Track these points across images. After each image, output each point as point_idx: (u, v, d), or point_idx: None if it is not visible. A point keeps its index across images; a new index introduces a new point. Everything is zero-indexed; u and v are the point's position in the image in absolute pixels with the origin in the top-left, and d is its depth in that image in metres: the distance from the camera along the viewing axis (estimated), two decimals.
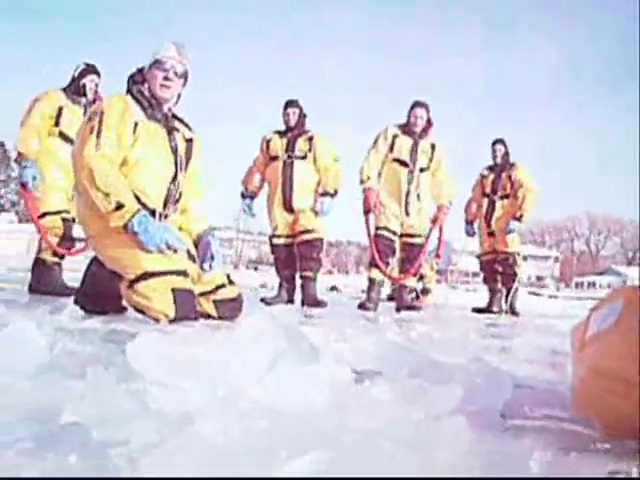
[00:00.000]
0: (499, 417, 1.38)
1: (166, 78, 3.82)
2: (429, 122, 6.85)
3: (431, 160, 6.85)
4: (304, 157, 6.61)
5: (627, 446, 1.16)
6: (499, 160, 8.08)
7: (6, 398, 1.26)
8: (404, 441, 1.07)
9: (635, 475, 1.02)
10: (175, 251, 3.67)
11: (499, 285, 8.15)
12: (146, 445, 0.98)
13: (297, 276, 6.86)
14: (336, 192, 6.66)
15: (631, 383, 1.23)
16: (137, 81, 3.89)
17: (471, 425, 1.14)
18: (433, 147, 6.85)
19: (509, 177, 8.00)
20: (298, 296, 6.73)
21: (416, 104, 6.83)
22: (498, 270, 8.16)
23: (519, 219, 7.88)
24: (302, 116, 6.74)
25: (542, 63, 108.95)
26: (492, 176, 8.14)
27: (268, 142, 6.76)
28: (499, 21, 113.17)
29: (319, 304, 6.48)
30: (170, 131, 3.89)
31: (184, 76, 3.93)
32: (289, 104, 6.75)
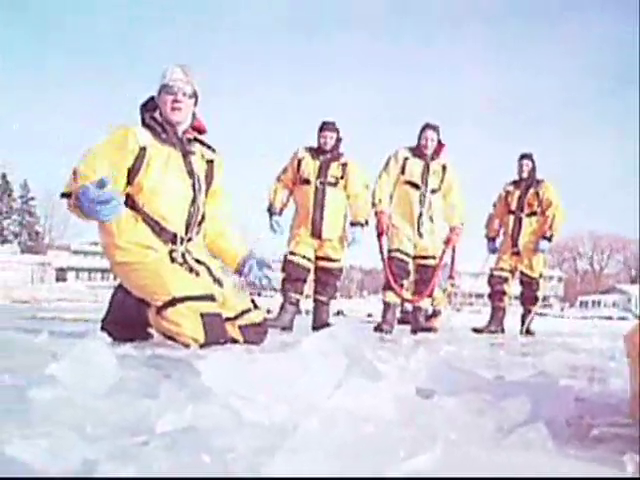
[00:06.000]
0: (567, 427, 1.41)
1: (175, 100, 3.88)
2: (440, 144, 6.87)
3: (442, 181, 6.89)
4: (335, 184, 6.41)
5: None
6: (525, 175, 7.78)
7: (87, 414, 1.28)
8: (490, 448, 1.10)
9: None
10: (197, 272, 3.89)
11: (503, 304, 7.96)
12: (260, 449, 1.01)
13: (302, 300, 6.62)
14: (367, 222, 6.53)
15: None
16: (149, 109, 3.99)
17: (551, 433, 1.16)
18: (444, 168, 6.88)
19: (537, 194, 7.72)
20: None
21: (426, 126, 6.87)
22: (516, 291, 8.05)
23: (549, 239, 7.67)
24: (338, 140, 6.50)
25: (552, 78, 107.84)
26: (517, 192, 7.84)
27: (300, 161, 6.48)
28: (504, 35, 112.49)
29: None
30: (185, 154, 3.96)
31: (194, 96, 3.99)
32: (326, 126, 6.50)
